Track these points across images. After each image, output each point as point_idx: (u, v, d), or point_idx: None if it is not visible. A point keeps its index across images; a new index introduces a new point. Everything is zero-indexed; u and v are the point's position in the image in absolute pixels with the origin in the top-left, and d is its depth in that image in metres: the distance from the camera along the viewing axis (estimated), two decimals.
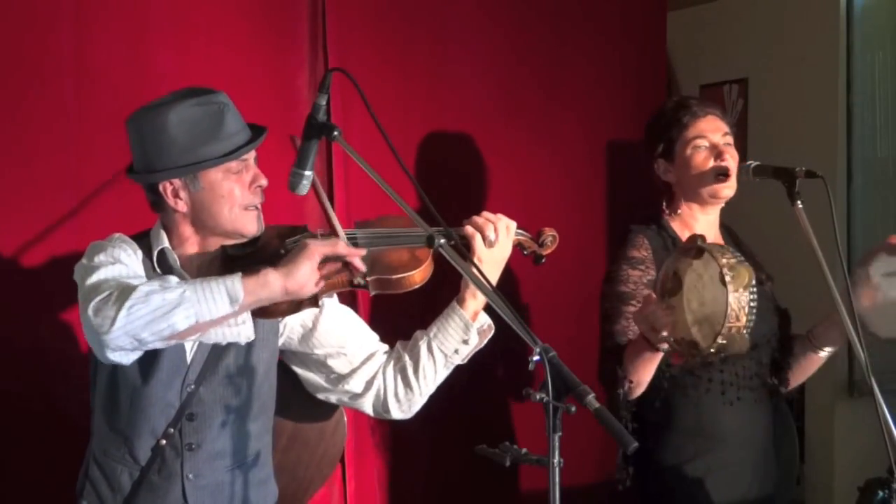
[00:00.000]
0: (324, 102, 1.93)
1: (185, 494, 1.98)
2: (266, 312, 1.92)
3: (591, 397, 1.53)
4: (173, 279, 1.82)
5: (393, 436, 2.90)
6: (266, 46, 2.72)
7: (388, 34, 2.93)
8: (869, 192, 3.19)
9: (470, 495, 3.05)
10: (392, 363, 2.13)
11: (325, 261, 1.89)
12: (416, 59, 2.98)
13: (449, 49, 3.04)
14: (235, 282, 1.78)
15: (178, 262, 1.99)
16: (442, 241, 1.73)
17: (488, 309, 2.12)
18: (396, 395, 2.12)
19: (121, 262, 1.90)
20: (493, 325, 2.13)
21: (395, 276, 1.98)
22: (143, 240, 2.03)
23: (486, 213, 2.10)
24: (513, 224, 2.12)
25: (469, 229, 2.07)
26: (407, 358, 2.12)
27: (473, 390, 3.05)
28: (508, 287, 3.08)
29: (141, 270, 1.94)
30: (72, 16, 2.45)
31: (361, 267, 1.91)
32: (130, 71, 2.49)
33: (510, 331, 1.66)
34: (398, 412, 2.15)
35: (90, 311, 1.75)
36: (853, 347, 2.10)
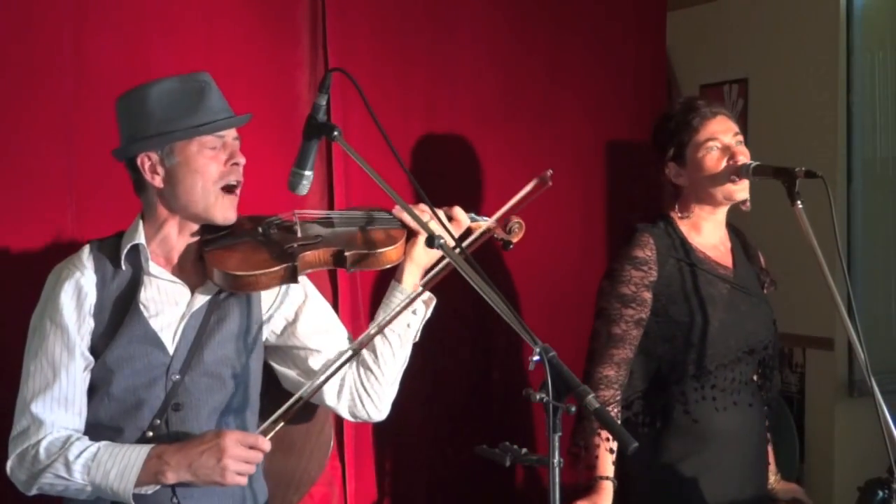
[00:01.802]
0: (324, 102, 1.94)
1: (174, 486, 1.97)
2: (247, 285, 1.98)
3: (591, 397, 1.54)
4: (77, 468, 1.89)
5: (393, 436, 2.90)
6: (266, 46, 2.72)
7: (388, 34, 2.93)
8: (869, 192, 3.19)
9: (470, 495, 3.04)
10: (356, 362, 2.14)
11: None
12: (416, 59, 2.98)
13: (449, 49, 3.04)
14: (127, 491, 1.88)
15: (151, 258, 2.02)
16: (442, 240, 1.74)
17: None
18: (366, 390, 2.12)
19: (56, 327, 1.96)
20: (433, 297, 2.17)
21: (371, 252, 2.07)
22: (111, 242, 2.06)
23: (422, 205, 2.10)
24: (463, 216, 2.17)
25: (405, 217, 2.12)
26: (365, 352, 2.13)
27: (473, 390, 3.05)
28: (508, 285, 3.09)
29: (91, 295, 1.98)
30: (72, 15, 2.45)
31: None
32: (130, 71, 2.48)
33: (510, 330, 1.66)
34: (373, 409, 2.14)
35: (8, 467, 1.94)
36: (853, 347, 2.10)
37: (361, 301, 2.80)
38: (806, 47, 3.19)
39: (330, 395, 2.13)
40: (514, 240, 2.27)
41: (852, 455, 3.07)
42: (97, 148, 2.44)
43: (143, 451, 1.91)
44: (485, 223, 2.22)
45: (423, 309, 2.14)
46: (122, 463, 1.89)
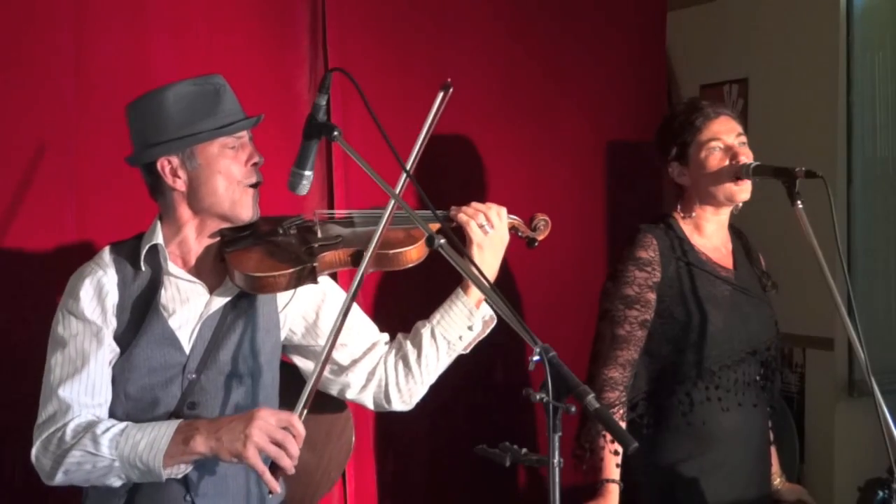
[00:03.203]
0: (324, 102, 1.94)
1: (188, 483, 1.97)
2: (266, 286, 1.97)
3: (591, 397, 1.54)
4: (105, 442, 1.87)
5: (393, 436, 2.90)
6: (266, 46, 2.72)
7: (388, 34, 2.93)
8: (869, 192, 3.19)
9: (470, 495, 3.04)
10: (394, 352, 2.14)
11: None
12: (417, 59, 2.97)
13: (449, 49, 3.04)
14: (157, 460, 1.86)
15: (169, 258, 2.02)
16: (442, 241, 1.74)
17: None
18: (398, 384, 2.13)
19: (81, 321, 1.95)
20: (494, 317, 2.14)
21: (391, 252, 2.04)
22: (130, 244, 2.06)
23: (475, 204, 2.12)
24: (503, 209, 2.13)
25: (462, 217, 2.09)
26: (409, 346, 2.13)
27: (473, 390, 3.05)
28: (508, 285, 3.08)
29: (113, 295, 1.98)
30: (72, 15, 2.45)
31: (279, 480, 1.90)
32: (130, 70, 2.49)
33: (510, 330, 1.66)
34: (399, 402, 2.16)
35: (33, 454, 1.91)
36: (853, 347, 2.10)
37: (361, 301, 2.80)
38: (806, 47, 3.19)
39: (355, 387, 2.14)
40: (540, 237, 2.23)
41: (852, 455, 3.07)
42: (98, 148, 2.45)
43: (172, 422, 1.90)
44: (513, 220, 2.19)
45: (480, 327, 2.13)
46: (152, 434, 1.87)
